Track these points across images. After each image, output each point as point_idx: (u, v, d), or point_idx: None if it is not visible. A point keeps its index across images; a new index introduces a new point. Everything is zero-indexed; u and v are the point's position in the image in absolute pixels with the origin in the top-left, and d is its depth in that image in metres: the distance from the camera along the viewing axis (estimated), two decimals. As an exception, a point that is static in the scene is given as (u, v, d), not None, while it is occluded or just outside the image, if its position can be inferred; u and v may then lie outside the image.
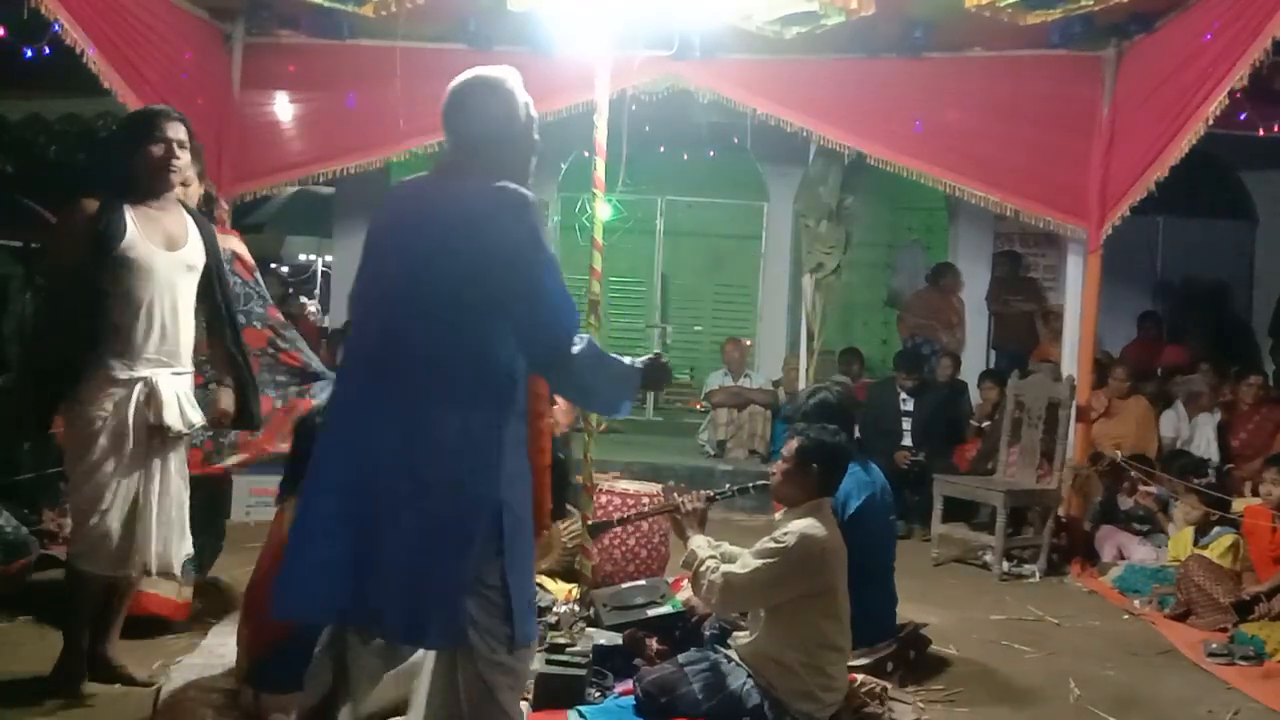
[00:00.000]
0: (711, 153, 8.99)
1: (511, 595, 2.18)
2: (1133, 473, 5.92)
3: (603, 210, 4.36)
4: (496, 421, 2.20)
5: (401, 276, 2.24)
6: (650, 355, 2.45)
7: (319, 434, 2.34)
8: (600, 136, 4.30)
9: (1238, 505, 5.26)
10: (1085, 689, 3.81)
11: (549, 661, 3.40)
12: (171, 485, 3.23)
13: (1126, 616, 4.92)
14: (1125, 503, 5.97)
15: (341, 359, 2.49)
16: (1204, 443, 6.50)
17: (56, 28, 4.42)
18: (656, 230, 9.96)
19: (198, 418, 3.26)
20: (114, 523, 3.09)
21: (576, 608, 4.06)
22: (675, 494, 3.61)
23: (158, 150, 3.14)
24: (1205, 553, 5.00)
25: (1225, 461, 6.32)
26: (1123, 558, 5.67)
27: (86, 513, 3.09)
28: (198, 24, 5.65)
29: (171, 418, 3.14)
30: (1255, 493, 5.37)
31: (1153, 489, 5.83)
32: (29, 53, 4.98)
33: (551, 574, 4.71)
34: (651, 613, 3.88)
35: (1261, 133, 6.21)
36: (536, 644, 2.63)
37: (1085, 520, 6.04)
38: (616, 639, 3.66)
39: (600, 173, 4.31)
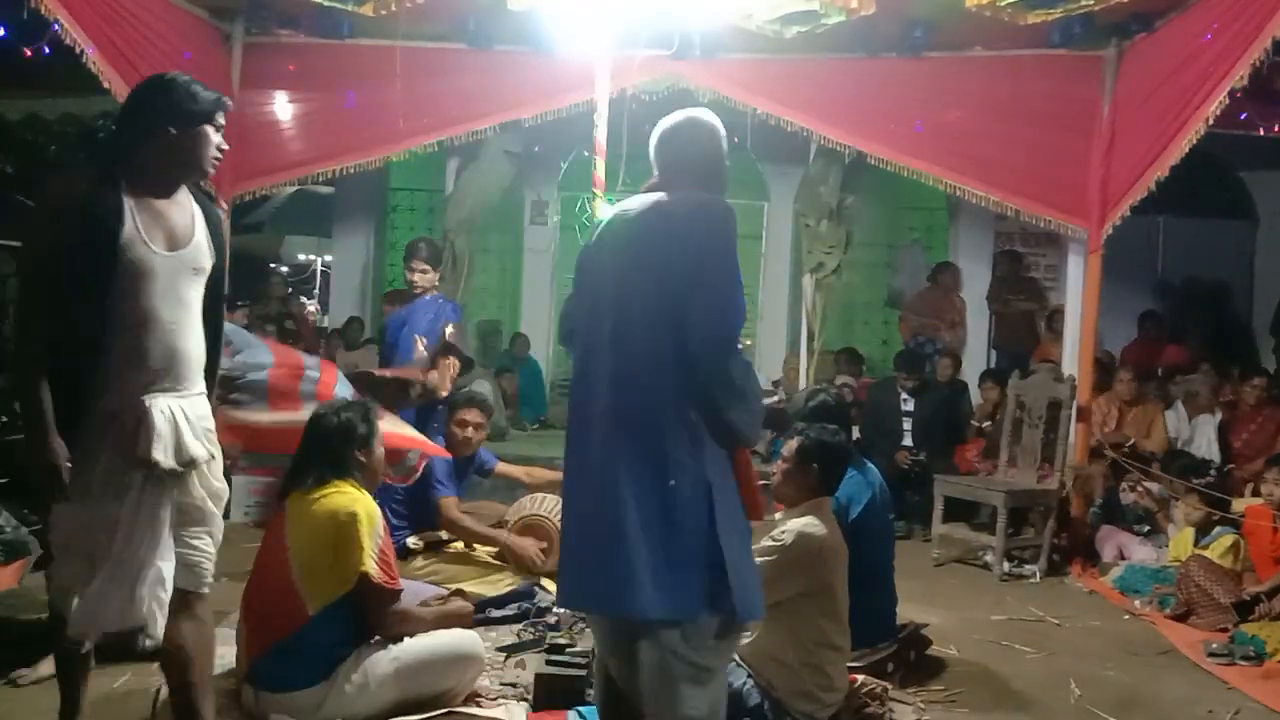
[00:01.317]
0: (711, 152, 8.98)
1: (729, 571, 2.31)
2: (1133, 470, 5.92)
3: (603, 210, 4.36)
4: (680, 410, 2.37)
5: (613, 284, 2.48)
6: (775, 400, 2.63)
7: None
8: (600, 136, 4.30)
9: (1238, 505, 5.25)
10: (1086, 689, 3.81)
11: (549, 662, 3.41)
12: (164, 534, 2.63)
13: (1127, 617, 4.91)
14: (1127, 497, 5.96)
15: (573, 367, 2.60)
16: (1205, 443, 6.49)
17: (56, 28, 4.42)
18: (657, 230, 9.94)
19: (205, 450, 2.68)
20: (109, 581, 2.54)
21: (576, 608, 4.06)
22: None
23: (214, 141, 2.67)
24: (1206, 553, 4.99)
25: (1226, 462, 6.32)
26: (1123, 558, 5.67)
27: (77, 572, 2.56)
28: (197, 23, 5.65)
29: (188, 450, 2.60)
30: (1256, 493, 5.37)
31: (1152, 488, 5.83)
32: (29, 53, 4.98)
33: (552, 574, 4.70)
34: (652, 613, 3.87)
35: (1261, 133, 6.22)
36: (750, 625, 2.61)
37: (1086, 520, 6.04)
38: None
39: (600, 172, 4.31)
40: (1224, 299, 9.15)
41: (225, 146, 2.68)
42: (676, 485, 2.33)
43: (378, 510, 3.16)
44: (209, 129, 2.64)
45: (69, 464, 2.48)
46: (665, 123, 2.66)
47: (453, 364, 4.90)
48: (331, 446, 3.19)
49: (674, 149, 2.63)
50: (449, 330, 4.86)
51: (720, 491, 2.36)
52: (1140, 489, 5.84)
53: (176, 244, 2.60)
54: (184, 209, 2.64)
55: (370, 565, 3.04)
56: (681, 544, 2.31)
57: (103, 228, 2.47)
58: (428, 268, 4.96)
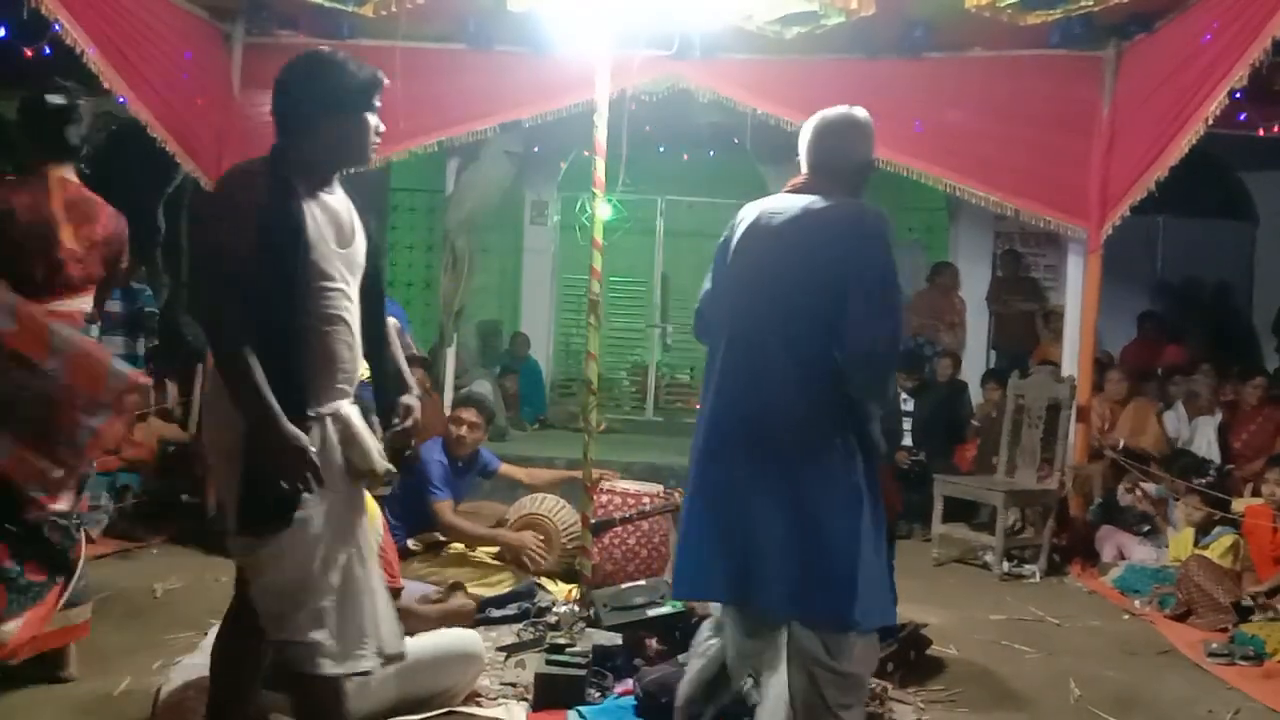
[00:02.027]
0: (712, 153, 8.99)
1: (869, 581, 2.38)
2: (1133, 470, 5.92)
3: (603, 210, 4.36)
4: (831, 412, 2.43)
5: (766, 286, 2.48)
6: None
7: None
8: (600, 136, 4.30)
9: (1238, 505, 5.26)
10: (1085, 689, 3.80)
11: (549, 661, 3.41)
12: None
13: (1127, 616, 4.92)
14: (1125, 498, 5.97)
15: (715, 362, 2.60)
16: (1204, 443, 6.49)
17: (56, 28, 4.42)
18: (656, 230, 9.96)
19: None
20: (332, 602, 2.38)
21: (576, 608, 4.07)
22: (676, 494, 3.62)
23: (372, 123, 2.45)
24: (1206, 553, 5.00)
25: (1226, 462, 6.32)
26: (1123, 558, 5.67)
27: (296, 596, 2.35)
28: (197, 24, 5.65)
29: (376, 459, 2.48)
30: (1256, 493, 5.37)
31: (1150, 489, 5.83)
32: (29, 53, 4.98)
33: (551, 574, 4.71)
34: (652, 613, 3.88)
35: (1261, 133, 6.21)
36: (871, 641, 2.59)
37: (1085, 520, 6.04)
38: (616, 639, 3.66)
39: (600, 173, 4.31)
40: (1224, 299, 9.15)
41: (383, 128, 2.48)
42: (829, 495, 2.37)
43: (377, 509, 3.16)
44: (369, 114, 2.44)
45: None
46: (822, 119, 2.61)
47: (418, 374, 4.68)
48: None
49: (829, 149, 2.59)
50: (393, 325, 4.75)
51: (868, 500, 2.41)
52: (1137, 492, 5.84)
53: (344, 240, 2.46)
54: (343, 202, 2.49)
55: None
56: (830, 554, 2.36)
57: (290, 227, 2.32)
58: None
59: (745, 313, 2.51)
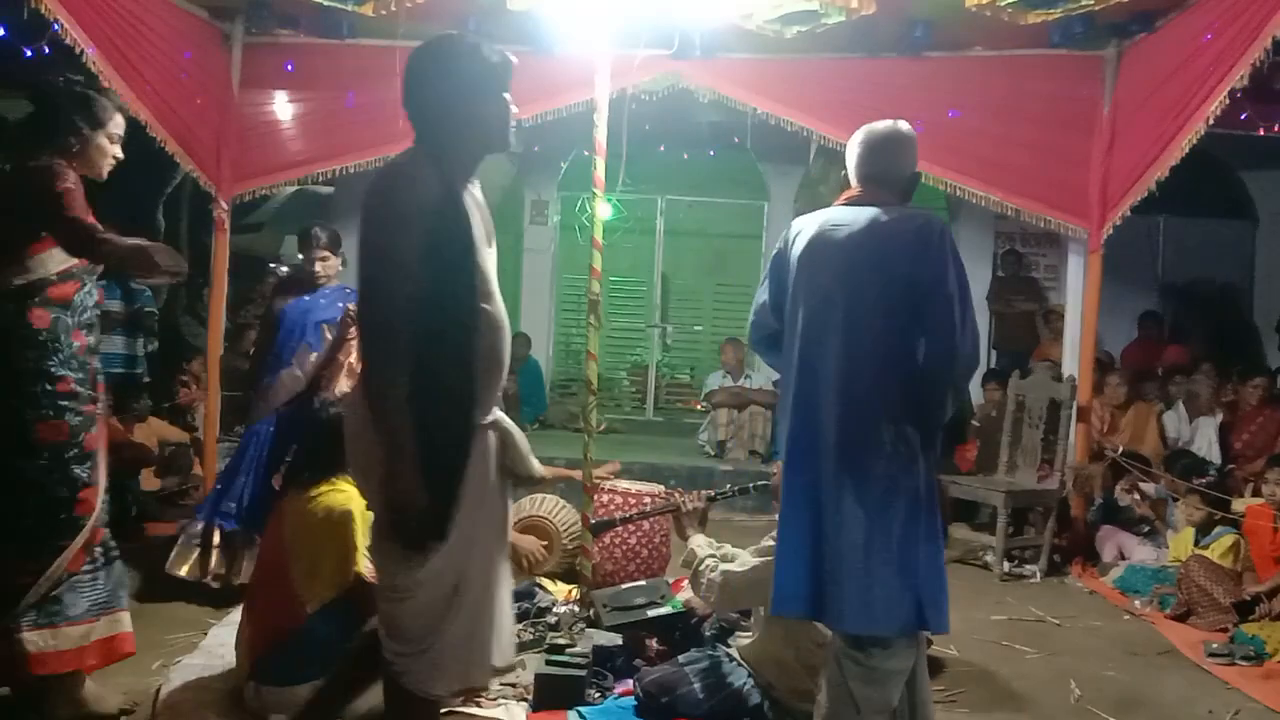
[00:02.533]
0: (712, 152, 8.99)
1: (931, 587, 2.45)
2: (1133, 471, 5.91)
3: (603, 210, 4.36)
4: (914, 420, 2.48)
5: (840, 297, 2.51)
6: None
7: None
8: (600, 136, 4.29)
9: (1238, 505, 5.25)
10: (1086, 689, 3.80)
11: (549, 662, 3.41)
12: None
13: (1127, 617, 4.91)
14: (1123, 499, 5.96)
15: (791, 373, 2.63)
16: (1205, 443, 6.49)
17: (56, 28, 4.42)
18: (656, 230, 9.96)
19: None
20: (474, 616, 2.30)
21: (576, 608, 4.06)
22: (676, 494, 3.62)
23: (510, 103, 2.35)
24: (1206, 553, 4.99)
25: (1227, 462, 6.32)
26: (1123, 558, 5.67)
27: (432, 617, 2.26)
28: (197, 23, 5.64)
29: (534, 464, 2.43)
30: (1256, 493, 5.37)
31: (1148, 490, 5.83)
32: (29, 53, 4.98)
33: (552, 574, 4.71)
34: (652, 613, 3.88)
35: (1262, 133, 6.20)
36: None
37: (1086, 520, 6.03)
38: (616, 639, 3.66)
39: (600, 172, 4.31)
40: (1224, 299, 9.14)
41: (516, 109, 2.36)
42: (898, 504, 2.43)
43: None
44: (506, 94, 2.31)
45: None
46: (872, 133, 2.68)
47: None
48: (326, 444, 3.15)
49: (882, 162, 2.66)
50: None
51: (927, 507, 2.46)
52: (1135, 495, 5.83)
53: (491, 238, 2.36)
54: (481, 195, 2.37)
55: (364, 566, 3.04)
56: (898, 562, 2.42)
57: (461, 229, 2.22)
58: (328, 254, 4.61)
59: (820, 324, 2.53)
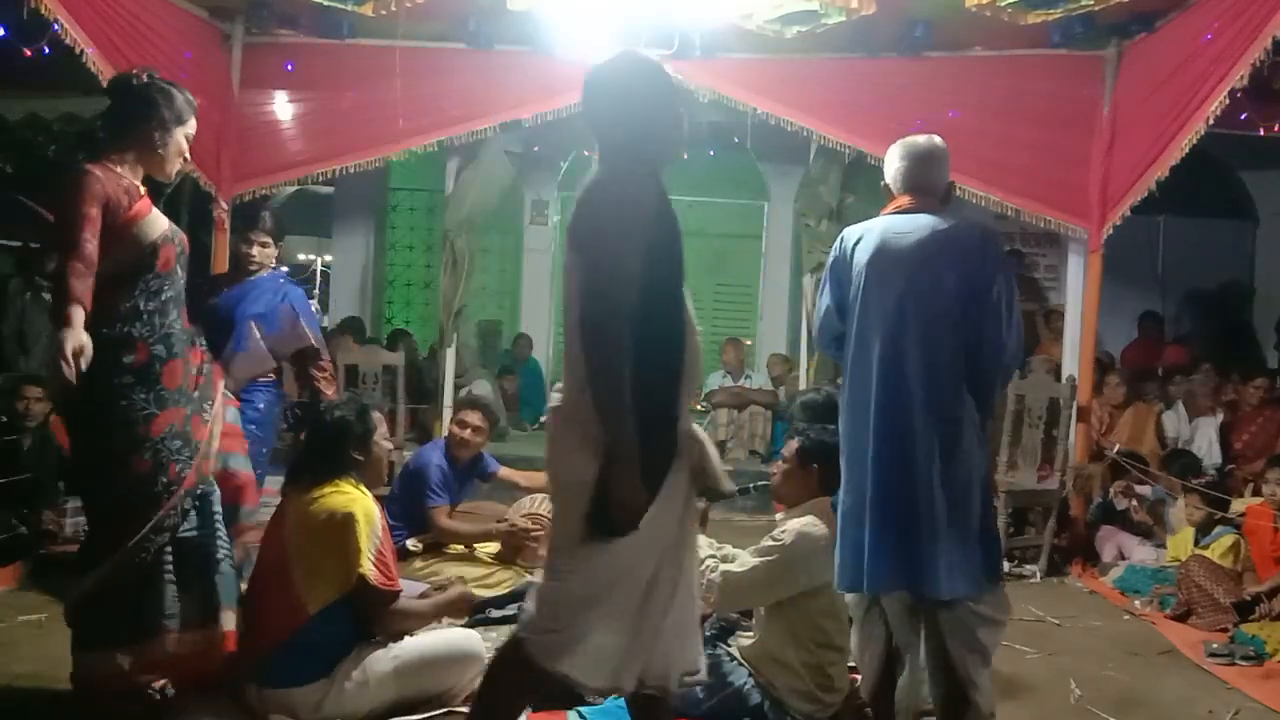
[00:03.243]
0: (712, 152, 8.99)
1: (997, 542, 2.82)
2: (1131, 470, 5.91)
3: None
4: (970, 409, 2.74)
5: (912, 300, 2.73)
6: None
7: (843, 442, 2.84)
8: (600, 136, 4.28)
9: (1238, 505, 5.25)
10: (1086, 689, 3.80)
11: (549, 661, 3.40)
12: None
13: (1127, 617, 4.91)
14: (1120, 503, 5.96)
15: (850, 373, 2.84)
16: (1205, 444, 6.49)
17: (56, 28, 4.42)
18: (657, 230, 9.94)
19: None
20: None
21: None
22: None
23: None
24: (1206, 553, 4.99)
25: (1227, 462, 6.32)
26: (1123, 558, 5.66)
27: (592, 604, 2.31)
28: (197, 23, 5.65)
29: (725, 479, 2.49)
30: (1257, 493, 5.37)
31: (1145, 492, 5.82)
32: (29, 53, 4.98)
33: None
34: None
35: (1262, 133, 6.20)
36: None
37: (1086, 520, 6.03)
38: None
39: (600, 172, 4.30)
40: (1224, 299, 9.13)
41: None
42: (971, 477, 2.70)
43: (376, 510, 3.14)
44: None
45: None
46: (915, 146, 2.89)
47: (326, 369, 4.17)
48: (327, 445, 3.17)
49: (927, 173, 2.87)
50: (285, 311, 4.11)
51: (987, 477, 2.77)
52: (1131, 504, 5.82)
53: None
54: None
55: (367, 567, 3.02)
56: (975, 527, 2.70)
57: (675, 234, 2.30)
58: (269, 240, 4.22)
59: (899, 321, 2.72)
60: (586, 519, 2.26)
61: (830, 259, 2.93)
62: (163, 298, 2.98)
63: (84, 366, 2.58)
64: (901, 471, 2.68)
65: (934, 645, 2.73)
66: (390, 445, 3.41)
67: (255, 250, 4.20)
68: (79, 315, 2.63)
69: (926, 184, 2.86)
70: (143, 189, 3.02)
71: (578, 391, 2.28)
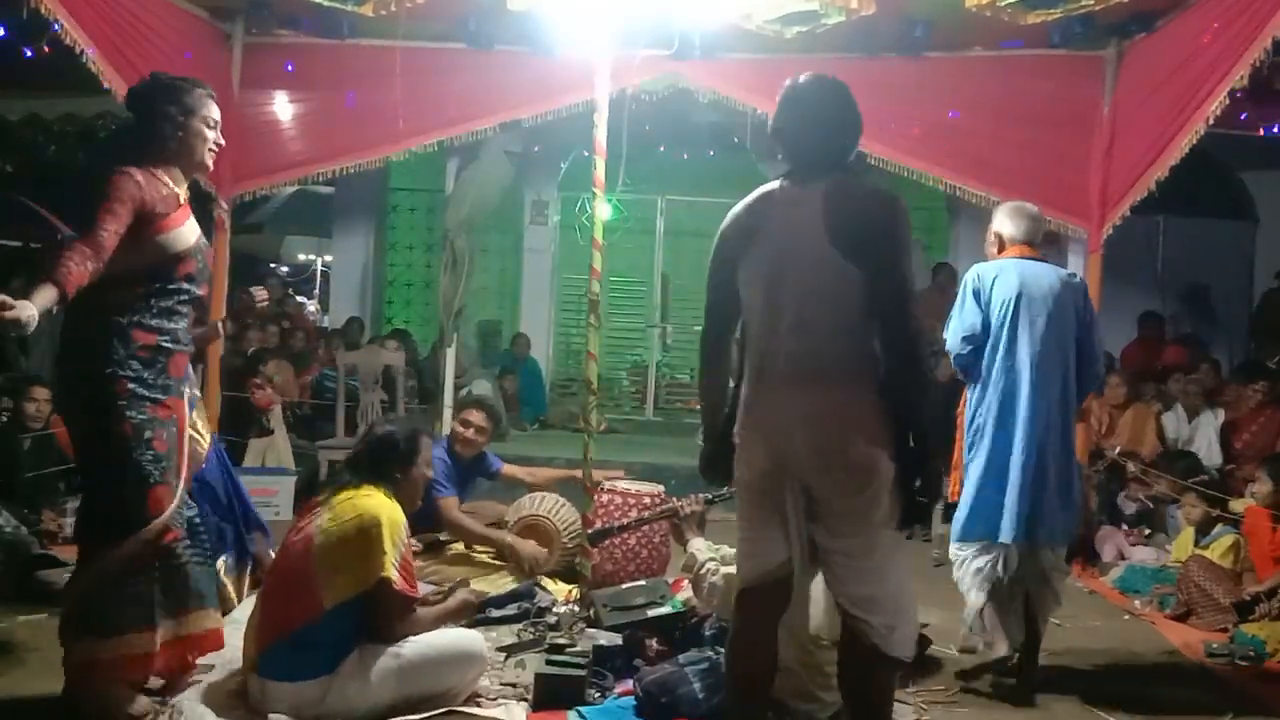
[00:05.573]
0: (712, 152, 9.00)
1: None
2: (1130, 470, 5.91)
3: (603, 210, 4.36)
4: (1075, 404, 3.82)
5: (1050, 326, 3.70)
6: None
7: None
8: (600, 136, 4.30)
9: (1238, 505, 5.25)
10: (1086, 689, 3.80)
11: (549, 661, 3.41)
12: None
13: (1127, 617, 4.92)
14: (1127, 506, 5.96)
15: (999, 371, 3.75)
16: (1205, 444, 6.49)
17: (56, 28, 4.42)
18: (656, 230, 9.97)
19: None
20: None
21: (576, 608, 4.07)
22: (674, 498, 3.62)
23: None
24: (1206, 553, 5.00)
25: (1227, 462, 6.31)
26: (1123, 558, 5.67)
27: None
28: (197, 23, 5.64)
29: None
30: (1256, 493, 5.37)
31: (1141, 497, 5.82)
32: (29, 53, 4.98)
33: (552, 574, 4.71)
34: (652, 613, 3.88)
35: (1261, 133, 6.20)
36: None
37: (1086, 520, 6.03)
38: (616, 639, 3.66)
39: (600, 172, 4.31)
40: (1224, 299, 9.14)
41: None
42: (1074, 454, 3.80)
43: (403, 519, 3.20)
44: None
45: None
46: (1025, 209, 3.95)
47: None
48: (374, 455, 3.31)
49: (1037, 228, 3.94)
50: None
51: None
52: (1140, 500, 5.82)
53: None
54: None
55: (392, 571, 3.08)
56: (1075, 485, 3.79)
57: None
58: None
59: (1045, 344, 3.66)
60: (904, 505, 2.57)
61: (970, 288, 3.77)
62: (172, 301, 3.05)
63: (15, 334, 2.63)
64: (1040, 449, 3.60)
65: (1035, 587, 3.69)
66: (430, 473, 3.49)
67: None
68: (47, 293, 2.65)
69: (1035, 237, 3.85)
70: (183, 197, 3.09)
71: (865, 381, 2.62)
